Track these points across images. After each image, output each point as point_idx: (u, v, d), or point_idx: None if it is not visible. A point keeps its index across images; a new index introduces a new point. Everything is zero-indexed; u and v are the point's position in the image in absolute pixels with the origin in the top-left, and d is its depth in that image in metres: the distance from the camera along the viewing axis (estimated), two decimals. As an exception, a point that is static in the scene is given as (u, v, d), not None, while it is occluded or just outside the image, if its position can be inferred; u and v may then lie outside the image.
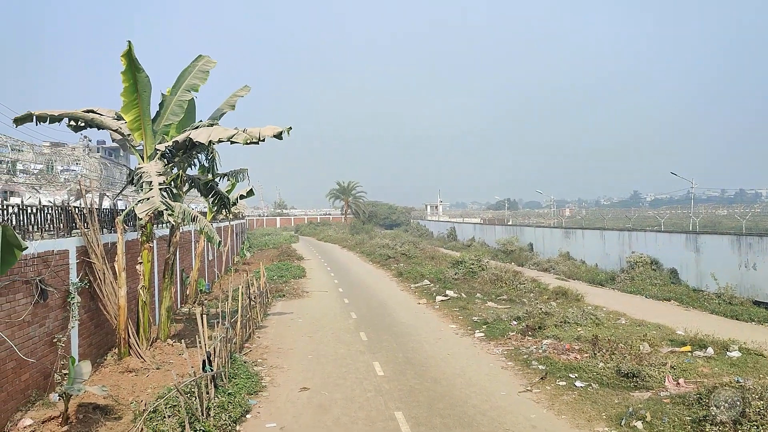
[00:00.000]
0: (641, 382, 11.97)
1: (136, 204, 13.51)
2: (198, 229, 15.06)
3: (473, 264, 31.22)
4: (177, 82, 15.53)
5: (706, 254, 24.91)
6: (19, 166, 37.61)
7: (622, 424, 9.91)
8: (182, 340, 13.89)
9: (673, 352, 14.33)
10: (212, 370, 10.83)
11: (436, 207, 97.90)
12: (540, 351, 15.03)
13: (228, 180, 23.47)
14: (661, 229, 33.37)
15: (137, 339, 14.55)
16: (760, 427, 8.55)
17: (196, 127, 15.60)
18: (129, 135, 15.20)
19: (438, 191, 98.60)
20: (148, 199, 13.39)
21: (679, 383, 11.89)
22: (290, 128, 14.34)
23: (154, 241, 16.53)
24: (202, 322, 11.50)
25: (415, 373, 13.76)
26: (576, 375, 12.81)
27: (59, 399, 10.20)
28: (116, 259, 14.24)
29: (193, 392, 9.93)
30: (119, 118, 15.28)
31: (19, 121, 14.30)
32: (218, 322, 13.81)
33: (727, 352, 14.15)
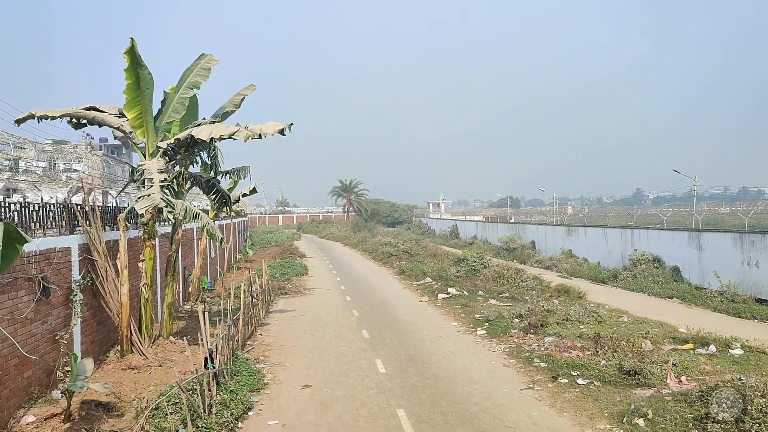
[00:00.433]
0: (643, 379, 11.95)
1: (137, 201, 13.53)
2: (200, 226, 15.08)
3: (475, 262, 31.23)
4: (180, 80, 15.55)
5: (709, 252, 24.87)
6: (22, 164, 37.70)
7: (624, 421, 9.90)
8: (184, 338, 13.94)
9: (675, 350, 14.32)
10: (214, 368, 10.85)
11: (439, 205, 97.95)
12: (542, 349, 15.02)
13: (230, 178, 23.53)
14: (663, 226, 33.34)
15: (139, 336, 14.57)
16: (762, 425, 8.53)
17: (198, 125, 15.60)
18: (131, 132, 15.21)
19: (440, 189, 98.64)
20: (149, 195, 13.40)
21: (681, 381, 11.87)
22: (291, 125, 14.37)
23: (157, 239, 16.55)
24: (204, 320, 11.52)
25: (417, 371, 13.77)
26: (578, 372, 12.80)
27: (62, 396, 10.21)
28: (118, 256, 14.27)
29: (195, 389, 9.94)
30: (121, 114, 15.29)
31: (20, 121, 14.34)
32: (220, 319, 13.84)
33: (730, 350, 14.12)
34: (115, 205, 18.33)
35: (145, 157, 15.22)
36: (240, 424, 10.30)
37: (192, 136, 14.61)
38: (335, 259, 46.76)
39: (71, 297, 12.42)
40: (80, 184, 27.45)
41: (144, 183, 14.06)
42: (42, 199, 13.66)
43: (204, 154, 18.40)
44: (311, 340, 17.40)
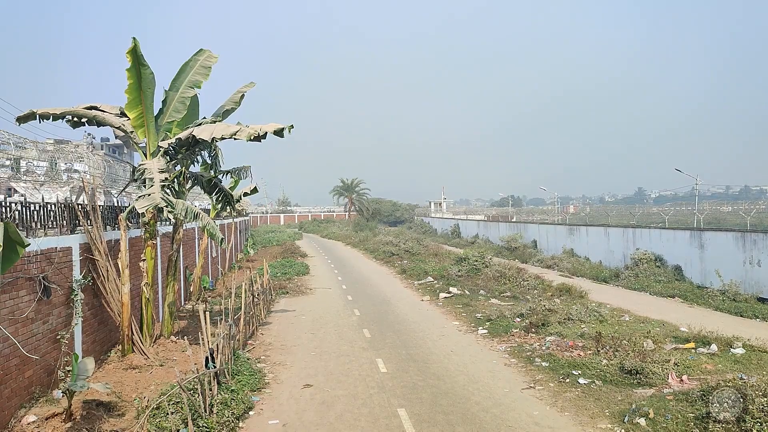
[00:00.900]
0: (644, 379, 11.93)
1: (137, 200, 13.54)
2: (200, 226, 15.09)
3: (477, 261, 31.21)
4: (177, 75, 15.51)
5: (711, 251, 24.82)
6: (23, 164, 37.73)
7: (625, 421, 9.89)
8: (185, 337, 13.97)
9: (676, 349, 14.29)
10: (215, 367, 10.86)
11: (440, 204, 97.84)
12: (543, 348, 15.01)
13: (231, 177, 23.53)
14: (665, 225, 33.29)
15: (140, 336, 14.58)
16: (764, 424, 8.51)
17: (199, 124, 15.61)
18: (132, 132, 15.22)
19: (442, 188, 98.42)
20: (149, 195, 13.41)
21: (682, 380, 11.84)
22: (292, 126, 14.40)
23: (158, 238, 16.57)
24: (205, 319, 11.53)
25: (418, 370, 13.76)
26: (579, 372, 12.78)
27: (63, 396, 10.22)
28: (119, 256, 14.28)
29: (196, 389, 9.95)
30: (123, 114, 15.30)
31: (21, 119, 14.35)
32: (221, 319, 13.84)
33: (731, 349, 14.09)
34: (116, 204, 18.34)
35: (146, 157, 15.23)
36: (241, 424, 10.30)
37: (193, 135, 14.61)
38: (337, 258, 46.76)
39: (72, 296, 12.42)
40: (82, 185, 27.49)
41: (145, 182, 14.07)
42: (43, 198, 13.66)
43: (205, 154, 18.42)
44: (312, 340, 17.40)
